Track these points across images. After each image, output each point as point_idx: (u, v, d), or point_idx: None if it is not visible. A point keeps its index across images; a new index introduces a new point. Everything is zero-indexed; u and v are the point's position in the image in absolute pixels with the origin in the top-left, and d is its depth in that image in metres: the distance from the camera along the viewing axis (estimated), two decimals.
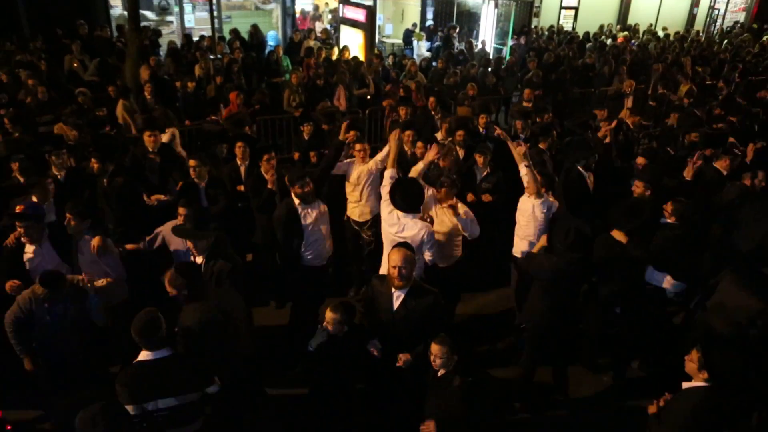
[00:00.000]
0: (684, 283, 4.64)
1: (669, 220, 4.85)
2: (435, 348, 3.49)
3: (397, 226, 4.39)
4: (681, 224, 4.79)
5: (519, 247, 5.23)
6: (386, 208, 4.53)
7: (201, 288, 3.88)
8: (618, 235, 4.50)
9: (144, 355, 3.16)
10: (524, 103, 8.90)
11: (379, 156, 5.49)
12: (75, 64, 10.34)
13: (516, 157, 5.02)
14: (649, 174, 5.45)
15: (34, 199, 4.86)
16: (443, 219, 4.87)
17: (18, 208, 4.32)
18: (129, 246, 4.78)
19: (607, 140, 6.69)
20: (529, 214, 5.02)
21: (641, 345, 5.04)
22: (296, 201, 4.71)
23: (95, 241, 4.30)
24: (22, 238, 4.28)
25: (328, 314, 3.67)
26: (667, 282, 4.62)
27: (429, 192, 4.92)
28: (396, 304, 3.77)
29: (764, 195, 5.52)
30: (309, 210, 4.74)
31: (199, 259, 4.20)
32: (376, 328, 3.87)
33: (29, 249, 4.32)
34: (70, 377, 4.05)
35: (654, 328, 4.98)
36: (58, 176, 5.58)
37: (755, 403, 4.15)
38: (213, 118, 8.43)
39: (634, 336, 4.87)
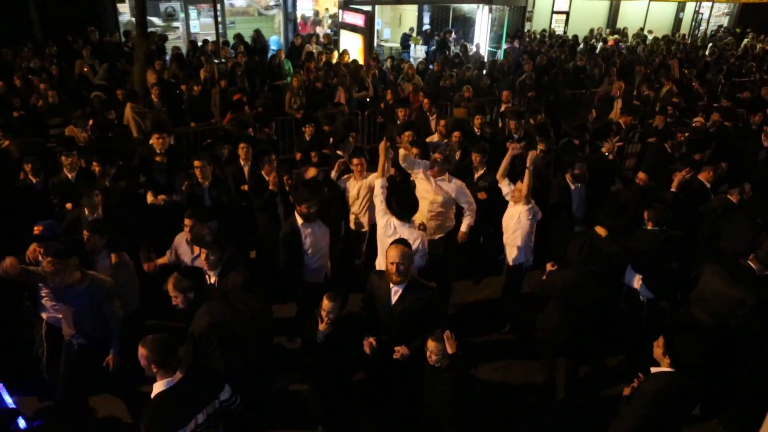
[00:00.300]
0: (653, 294, 4.75)
1: (648, 226, 4.92)
2: (431, 344, 3.61)
3: (394, 235, 4.42)
4: (659, 230, 4.84)
5: (511, 255, 5.30)
6: (382, 217, 4.62)
7: (205, 291, 3.87)
8: (600, 230, 4.66)
9: (160, 385, 3.02)
10: (503, 105, 9.22)
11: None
12: (85, 69, 10.69)
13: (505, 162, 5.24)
14: (653, 166, 5.56)
15: (86, 212, 5.00)
16: (440, 187, 5.29)
17: (36, 229, 4.39)
18: (160, 261, 4.92)
19: (611, 157, 6.51)
20: (515, 222, 5.15)
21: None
22: (299, 220, 4.80)
23: (114, 258, 4.47)
24: (41, 258, 4.21)
25: (327, 303, 3.74)
26: (637, 282, 4.78)
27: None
28: (394, 298, 3.85)
29: (749, 207, 5.53)
30: (310, 229, 4.82)
31: (212, 278, 4.11)
32: (375, 322, 3.97)
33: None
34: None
35: (627, 325, 5.12)
36: (69, 177, 5.77)
37: (731, 391, 4.37)
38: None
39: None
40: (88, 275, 4.00)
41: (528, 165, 4.94)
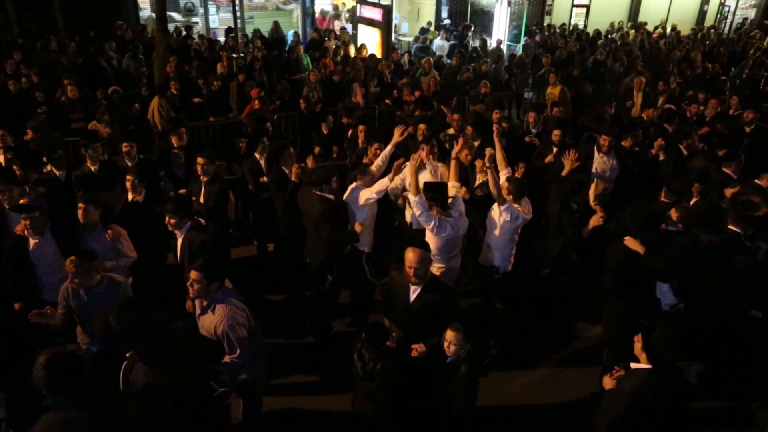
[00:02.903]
0: (680, 300, 4.49)
1: (676, 227, 4.54)
2: (450, 334, 3.60)
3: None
4: (687, 231, 4.49)
5: (485, 254, 5.16)
6: (428, 223, 4.56)
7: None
8: (632, 243, 4.29)
9: None
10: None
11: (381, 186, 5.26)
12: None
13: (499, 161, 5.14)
14: (681, 184, 5.17)
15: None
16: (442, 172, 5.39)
17: (22, 201, 4.54)
18: None
19: (661, 157, 6.42)
20: (492, 221, 4.99)
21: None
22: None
23: (111, 230, 4.61)
24: (26, 231, 4.40)
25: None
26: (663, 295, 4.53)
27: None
28: (412, 297, 3.88)
29: None
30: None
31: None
32: (393, 317, 4.03)
33: (32, 241, 4.46)
34: None
35: None
36: (93, 169, 5.89)
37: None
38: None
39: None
40: (105, 276, 4.03)
41: (486, 164, 4.97)
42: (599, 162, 6.17)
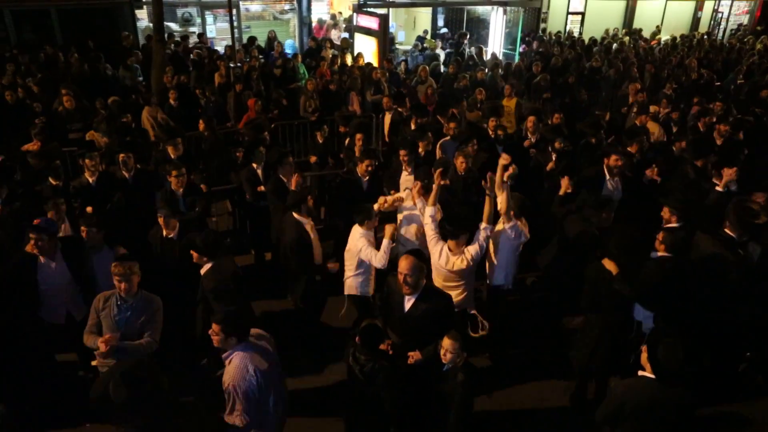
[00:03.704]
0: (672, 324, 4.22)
1: (659, 253, 4.39)
2: (447, 342, 3.57)
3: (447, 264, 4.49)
4: (672, 257, 4.33)
5: (491, 274, 5.07)
6: (435, 245, 4.55)
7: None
8: (608, 264, 4.23)
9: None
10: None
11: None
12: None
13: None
14: (681, 203, 4.91)
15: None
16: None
17: (35, 221, 4.42)
18: None
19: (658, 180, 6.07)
20: (497, 240, 4.87)
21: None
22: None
23: (119, 252, 4.51)
24: (35, 251, 4.35)
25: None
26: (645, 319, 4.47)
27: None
28: (407, 306, 3.87)
29: None
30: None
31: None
32: (390, 325, 4.01)
33: (42, 260, 4.41)
34: None
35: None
36: (90, 180, 5.89)
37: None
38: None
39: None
40: (141, 290, 3.99)
41: (504, 179, 4.58)
42: (608, 186, 5.85)
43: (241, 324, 3.43)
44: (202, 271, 4.48)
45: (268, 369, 3.44)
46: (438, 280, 4.63)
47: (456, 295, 4.52)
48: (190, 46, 13.20)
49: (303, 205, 5.05)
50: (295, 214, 5.03)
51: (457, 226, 4.47)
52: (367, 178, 5.96)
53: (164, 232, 5.00)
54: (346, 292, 5.09)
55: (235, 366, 3.34)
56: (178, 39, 13.28)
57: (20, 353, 4.55)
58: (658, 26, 19.54)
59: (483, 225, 4.57)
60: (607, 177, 5.86)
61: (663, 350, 3.16)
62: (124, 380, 2.73)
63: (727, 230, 4.51)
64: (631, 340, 4.51)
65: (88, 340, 3.88)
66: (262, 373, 3.36)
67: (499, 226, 4.83)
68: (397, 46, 16.68)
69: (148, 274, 4.16)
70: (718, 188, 5.45)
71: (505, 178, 4.61)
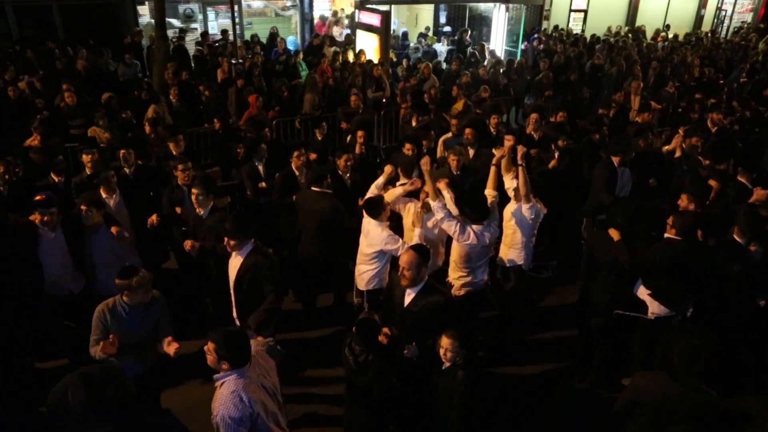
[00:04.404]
0: (669, 309, 4.36)
1: (669, 234, 4.36)
2: (446, 341, 3.60)
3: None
4: (682, 240, 4.30)
5: (507, 256, 5.10)
6: (462, 232, 4.48)
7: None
8: (613, 233, 4.41)
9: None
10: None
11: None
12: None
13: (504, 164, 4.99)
14: (697, 188, 5.02)
15: (103, 193, 5.24)
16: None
17: (38, 197, 4.41)
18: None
19: (677, 154, 6.40)
20: (516, 221, 4.94)
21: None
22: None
23: (115, 230, 4.64)
24: (42, 227, 4.39)
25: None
26: (643, 295, 4.42)
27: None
28: (407, 300, 3.91)
29: None
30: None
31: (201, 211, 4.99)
32: (392, 318, 4.04)
33: (44, 235, 4.46)
34: None
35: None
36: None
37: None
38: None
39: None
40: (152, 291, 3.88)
41: (519, 161, 4.76)
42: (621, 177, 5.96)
43: (238, 351, 3.02)
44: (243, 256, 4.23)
45: (265, 398, 3.09)
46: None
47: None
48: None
49: (324, 182, 5.15)
50: (315, 188, 5.17)
51: (479, 211, 4.48)
52: (348, 174, 5.95)
53: (198, 210, 5.08)
54: (362, 288, 5.05)
55: (227, 393, 2.95)
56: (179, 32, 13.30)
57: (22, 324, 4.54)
58: (667, 24, 19.43)
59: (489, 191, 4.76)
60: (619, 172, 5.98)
61: (681, 352, 3.09)
62: (82, 381, 2.40)
63: (735, 236, 4.46)
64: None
65: (96, 351, 3.63)
66: (257, 403, 2.98)
67: (512, 206, 4.98)
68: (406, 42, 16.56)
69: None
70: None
71: (519, 160, 4.72)
